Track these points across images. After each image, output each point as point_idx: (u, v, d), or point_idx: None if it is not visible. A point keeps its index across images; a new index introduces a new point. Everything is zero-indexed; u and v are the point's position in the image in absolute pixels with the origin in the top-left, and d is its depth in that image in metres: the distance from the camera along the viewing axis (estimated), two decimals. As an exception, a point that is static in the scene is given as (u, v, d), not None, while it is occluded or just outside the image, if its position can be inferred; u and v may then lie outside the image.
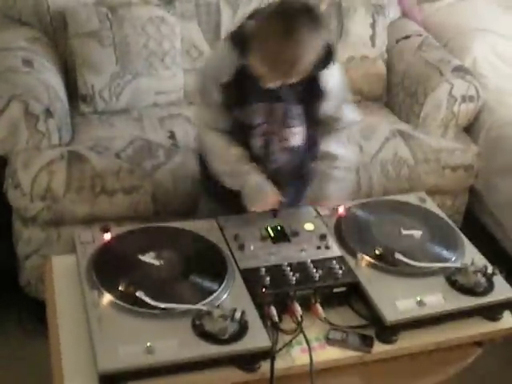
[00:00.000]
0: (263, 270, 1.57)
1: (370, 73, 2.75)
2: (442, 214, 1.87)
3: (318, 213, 1.80)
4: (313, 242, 1.69)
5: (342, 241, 1.71)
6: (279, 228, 1.72)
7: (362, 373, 1.52)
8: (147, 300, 1.42)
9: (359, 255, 1.65)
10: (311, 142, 1.84)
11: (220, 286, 1.50)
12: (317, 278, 1.57)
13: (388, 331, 1.51)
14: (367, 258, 1.64)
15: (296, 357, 1.45)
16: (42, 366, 1.55)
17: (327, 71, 1.70)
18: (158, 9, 2.51)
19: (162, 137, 2.35)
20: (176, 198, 2.23)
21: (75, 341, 1.43)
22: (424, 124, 2.59)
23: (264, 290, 1.51)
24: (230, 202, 1.78)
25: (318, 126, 1.83)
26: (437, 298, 1.56)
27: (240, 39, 1.65)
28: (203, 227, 1.70)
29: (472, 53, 2.77)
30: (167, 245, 1.60)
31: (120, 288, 1.45)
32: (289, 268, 1.59)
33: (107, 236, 1.62)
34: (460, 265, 1.62)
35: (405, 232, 1.74)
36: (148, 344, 1.34)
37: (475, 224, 2.66)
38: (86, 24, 2.41)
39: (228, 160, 1.77)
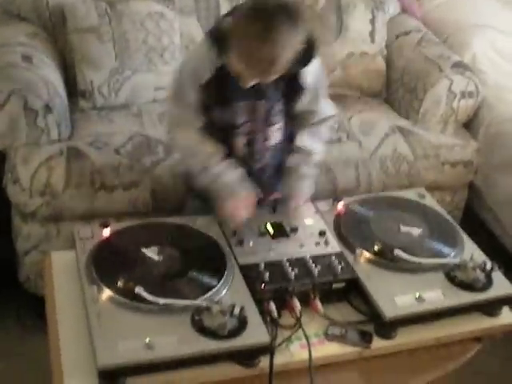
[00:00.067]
0: (262, 265, 1.57)
1: (369, 69, 2.74)
2: (442, 210, 1.87)
3: (318, 209, 1.80)
4: (312, 238, 1.69)
5: (341, 237, 1.71)
6: (278, 224, 1.72)
7: (360, 368, 1.52)
8: (146, 296, 1.42)
9: (358, 251, 1.65)
10: (289, 138, 1.82)
11: (219, 282, 1.50)
12: (316, 274, 1.57)
13: (387, 327, 1.51)
14: (366, 253, 1.64)
15: (295, 352, 1.46)
16: (41, 361, 1.54)
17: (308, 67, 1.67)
18: (157, 4, 2.50)
19: (161, 133, 2.34)
20: (175, 194, 2.22)
21: (74, 336, 1.43)
22: (423, 120, 2.58)
23: (263, 285, 1.52)
24: (213, 201, 1.74)
25: (295, 121, 1.80)
26: (436, 294, 1.56)
27: (218, 37, 1.60)
28: (202, 223, 1.70)
29: (471, 49, 2.76)
30: (166, 240, 1.61)
31: (119, 284, 1.46)
32: (288, 264, 1.59)
33: (106, 232, 1.62)
34: (459, 261, 1.63)
35: (404, 228, 1.74)
36: (147, 339, 1.34)
37: (474, 220, 2.66)
38: (84, 19, 2.40)
39: (202, 158, 1.72)
